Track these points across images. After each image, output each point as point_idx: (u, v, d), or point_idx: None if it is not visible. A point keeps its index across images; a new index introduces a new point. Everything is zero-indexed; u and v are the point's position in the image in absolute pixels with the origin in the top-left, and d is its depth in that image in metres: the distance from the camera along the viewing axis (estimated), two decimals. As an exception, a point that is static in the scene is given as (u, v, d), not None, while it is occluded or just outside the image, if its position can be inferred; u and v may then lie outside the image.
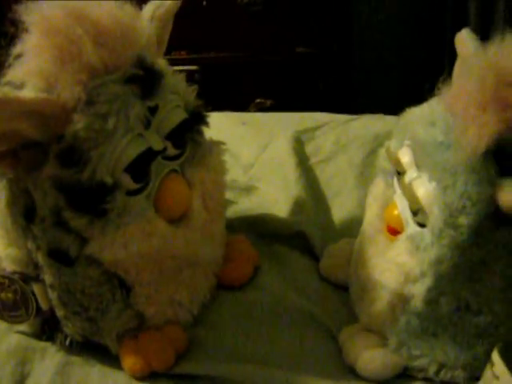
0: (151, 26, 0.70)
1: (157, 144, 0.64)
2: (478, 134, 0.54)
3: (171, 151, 0.67)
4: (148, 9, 0.71)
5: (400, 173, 0.67)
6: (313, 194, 0.97)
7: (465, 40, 0.67)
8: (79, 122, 0.59)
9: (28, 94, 0.57)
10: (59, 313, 0.68)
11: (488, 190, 0.57)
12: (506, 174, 0.57)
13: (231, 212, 0.91)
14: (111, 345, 0.69)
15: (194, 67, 1.72)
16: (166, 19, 0.73)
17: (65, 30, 0.59)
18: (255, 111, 1.71)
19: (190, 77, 1.68)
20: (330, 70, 1.76)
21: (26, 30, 0.60)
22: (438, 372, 0.65)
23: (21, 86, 0.60)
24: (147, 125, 0.64)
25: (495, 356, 0.56)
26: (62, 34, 0.59)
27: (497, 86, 0.54)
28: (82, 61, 0.59)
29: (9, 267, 0.68)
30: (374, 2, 1.84)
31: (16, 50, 0.61)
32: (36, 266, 0.66)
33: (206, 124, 0.74)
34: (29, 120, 0.57)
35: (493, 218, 0.58)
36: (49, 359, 0.70)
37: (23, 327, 0.72)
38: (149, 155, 0.64)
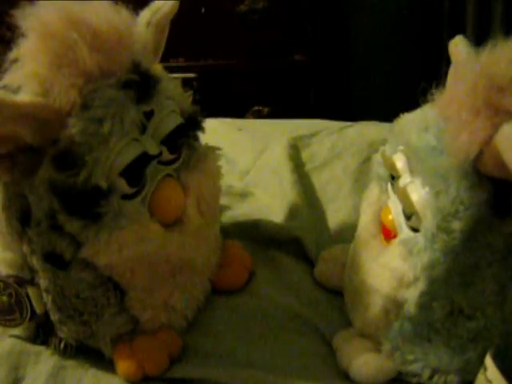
0: (148, 31, 0.71)
1: (152, 148, 0.65)
2: (470, 139, 0.55)
3: (167, 156, 0.68)
4: (145, 14, 0.71)
5: (394, 177, 0.68)
6: (308, 200, 0.97)
7: (458, 46, 0.67)
8: (74, 126, 0.59)
9: (23, 97, 0.58)
10: (54, 316, 0.68)
11: (480, 194, 0.57)
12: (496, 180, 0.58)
13: (226, 217, 0.92)
14: (105, 349, 0.69)
15: (191, 74, 1.73)
16: (163, 25, 0.73)
17: (61, 35, 0.59)
18: (252, 119, 1.72)
19: (188, 84, 1.68)
20: (327, 77, 1.77)
21: (23, 35, 0.60)
22: (431, 377, 0.65)
23: (17, 91, 0.61)
24: (143, 130, 0.64)
25: (488, 360, 0.56)
26: (58, 39, 0.59)
27: (489, 91, 0.54)
28: (78, 65, 0.59)
29: (3, 271, 0.68)
30: (371, 10, 1.85)
31: (12, 54, 0.61)
32: (31, 269, 0.66)
33: (202, 129, 0.74)
34: (24, 124, 0.58)
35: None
36: (43, 363, 0.70)
37: (17, 331, 0.72)
38: (144, 159, 0.64)
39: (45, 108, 0.58)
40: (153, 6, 0.73)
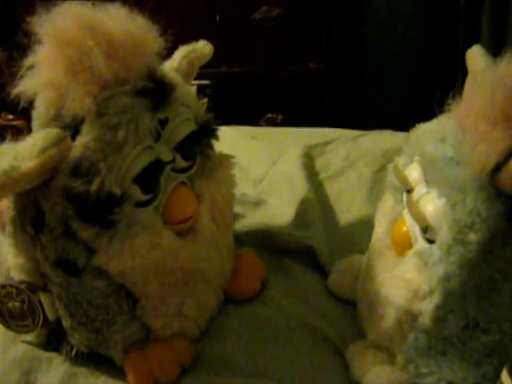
0: (182, 63, 0.75)
1: (165, 155, 0.65)
2: (488, 151, 0.54)
3: (180, 163, 0.67)
4: (180, 52, 0.76)
5: (408, 191, 0.67)
6: (322, 209, 0.97)
7: (475, 56, 0.67)
8: (89, 133, 0.59)
9: (28, 164, 0.57)
10: (66, 323, 0.68)
11: (498, 206, 0.57)
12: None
13: (240, 226, 0.91)
14: (116, 356, 0.69)
15: (205, 82, 1.73)
16: (196, 64, 0.77)
17: (77, 42, 0.59)
18: (266, 126, 1.72)
19: (202, 91, 1.69)
20: (341, 85, 1.76)
21: (39, 42, 0.61)
22: (445, 390, 0.65)
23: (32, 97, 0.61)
24: (157, 137, 0.64)
25: (504, 376, 0.55)
26: (74, 46, 0.59)
27: (507, 102, 0.54)
28: (93, 72, 0.59)
29: (16, 277, 0.68)
30: (386, 18, 1.85)
31: (28, 61, 0.61)
32: (43, 275, 0.66)
33: (216, 137, 0.74)
34: (35, 180, 0.59)
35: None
36: (54, 370, 0.70)
37: (29, 337, 0.72)
38: (157, 166, 0.64)
39: (51, 161, 0.59)
40: (194, 45, 0.77)
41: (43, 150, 0.58)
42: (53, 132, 0.59)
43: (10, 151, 0.58)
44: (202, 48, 0.79)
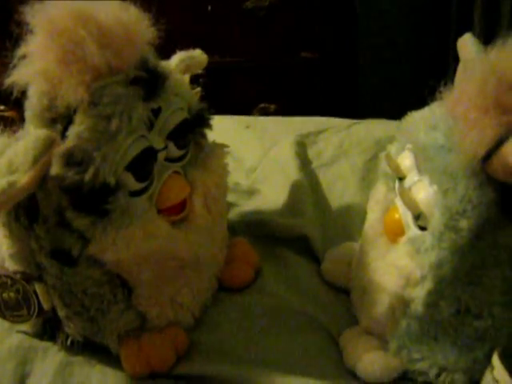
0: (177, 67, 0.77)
1: (158, 143, 0.65)
2: (479, 138, 0.54)
3: (174, 152, 0.68)
4: (177, 56, 0.78)
5: (400, 178, 0.68)
6: (315, 198, 0.97)
7: (467, 44, 0.67)
8: (82, 123, 0.59)
9: (22, 178, 0.58)
10: (61, 313, 0.68)
11: (488, 193, 0.57)
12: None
13: (233, 214, 0.92)
14: (112, 345, 0.69)
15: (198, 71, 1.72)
16: (191, 71, 0.79)
17: (69, 32, 0.59)
18: (259, 116, 1.71)
19: (195, 80, 1.68)
20: (334, 75, 1.76)
21: (31, 32, 0.60)
22: (438, 375, 0.66)
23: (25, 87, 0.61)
24: (150, 126, 0.64)
25: (495, 360, 0.56)
26: (67, 36, 0.59)
27: (498, 89, 0.54)
28: (86, 62, 0.59)
29: (11, 267, 0.68)
30: (379, 7, 1.85)
31: (20, 51, 0.61)
32: (38, 266, 0.66)
33: (209, 127, 0.74)
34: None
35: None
36: (50, 359, 0.70)
37: (25, 327, 0.73)
38: (150, 153, 0.64)
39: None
40: (192, 52, 0.79)
41: (36, 159, 0.58)
42: (43, 136, 0.59)
43: (2, 161, 0.58)
44: (199, 56, 0.80)
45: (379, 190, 0.73)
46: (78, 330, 0.69)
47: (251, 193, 1.00)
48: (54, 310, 0.69)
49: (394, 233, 0.67)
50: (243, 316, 0.76)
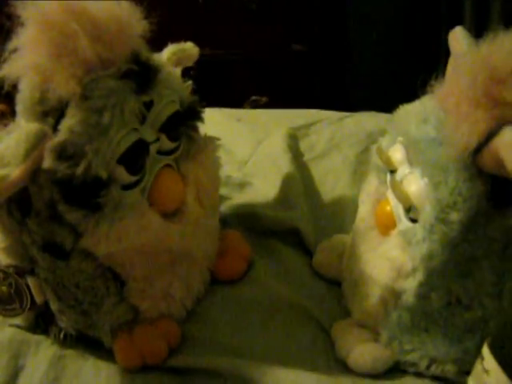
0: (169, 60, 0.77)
1: (149, 135, 0.65)
2: (470, 131, 0.55)
3: (166, 144, 0.68)
4: (169, 49, 0.77)
5: (392, 171, 0.68)
6: (306, 191, 0.97)
7: (458, 37, 0.67)
8: (74, 117, 0.59)
9: (15, 171, 0.57)
10: (53, 306, 0.68)
11: (479, 186, 0.57)
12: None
13: (225, 207, 0.92)
14: (105, 338, 0.70)
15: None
16: (183, 64, 0.79)
17: (61, 25, 0.59)
18: (250, 108, 1.71)
19: (186, 73, 1.68)
20: (325, 67, 1.76)
21: (22, 25, 0.60)
22: (428, 366, 0.66)
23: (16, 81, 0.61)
24: (142, 120, 0.64)
25: (485, 350, 0.57)
26: (58, 29, 0.59)
27: (488, 83, 0.54)
28: (78, 56, 0.59)
29: (4, 260, 0.68)
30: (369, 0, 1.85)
31: (12, 44, 0.60)
32: (31, 259, 0.66)
33: (201, 120, 0.74)
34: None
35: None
36: (43, 352, 0.70)
37: (17, 320, 0.73)
38: (141, 145, 0.64)
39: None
40: (184, 45, 0.79)
41: (28, 153, 0.58)
42: (35, 130, 0.59)
43: None
44: (190, 49, 0.80)
45: (371, 183, 0.74)
46: (71, 324, 0.69)
47: (243, 186, 1.00)
48: (46, 303, 0.69)
49: (386, 225, 0.68)
50: (235, 308, 0.76)
